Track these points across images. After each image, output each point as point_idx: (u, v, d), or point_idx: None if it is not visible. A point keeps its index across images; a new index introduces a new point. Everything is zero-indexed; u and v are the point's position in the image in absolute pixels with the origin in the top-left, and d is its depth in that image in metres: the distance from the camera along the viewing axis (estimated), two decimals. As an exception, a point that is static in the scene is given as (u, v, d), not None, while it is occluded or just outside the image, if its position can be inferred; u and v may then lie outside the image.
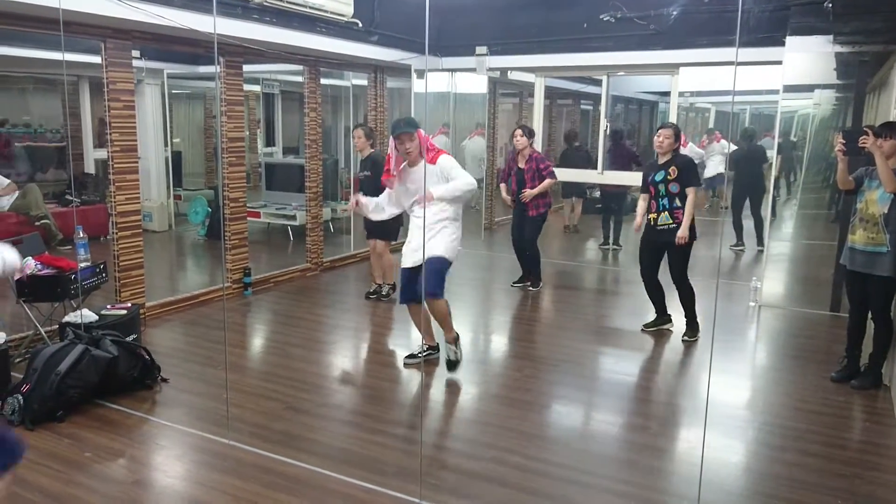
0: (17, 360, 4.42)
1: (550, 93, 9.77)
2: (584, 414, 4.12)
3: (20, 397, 3.67)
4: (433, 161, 4.23)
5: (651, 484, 3.21)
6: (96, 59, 5.12)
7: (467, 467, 3.33)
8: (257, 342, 5.46)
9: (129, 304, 4.88)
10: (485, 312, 6.22)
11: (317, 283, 6.97)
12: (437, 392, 4.27)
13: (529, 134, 6.40)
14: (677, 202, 4.99)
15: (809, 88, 6.19)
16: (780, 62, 5.88)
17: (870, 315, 4.28)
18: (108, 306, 4.75)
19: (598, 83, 8.02)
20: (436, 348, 4.66)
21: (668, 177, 4.99)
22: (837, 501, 3.04)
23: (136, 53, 5.36)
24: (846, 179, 4.16)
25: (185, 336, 5.29)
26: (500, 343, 5.46)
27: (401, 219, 5.85)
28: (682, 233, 4.96)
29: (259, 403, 4.01)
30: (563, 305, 6.43)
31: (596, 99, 9.80)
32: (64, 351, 3.83)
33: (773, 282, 6.36)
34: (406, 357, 4.72)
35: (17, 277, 1.77)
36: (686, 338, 5.18)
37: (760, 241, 8.34)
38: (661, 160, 5.06)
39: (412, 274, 4.36)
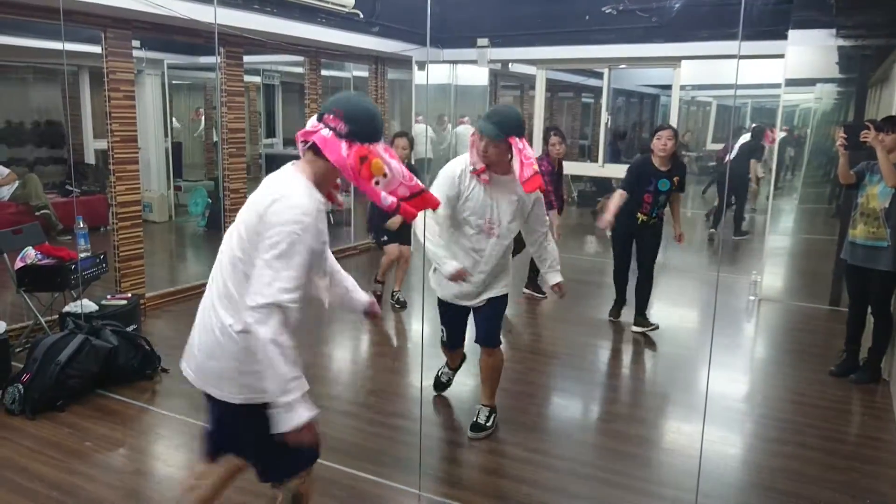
0: (18, 349, 4.42)
1: (552, 85, 9.73)
2: (583, 406, 4.13)
3: (21, 387, 3.68)
4: None
5: (650, 476, 3.22)
6: (96, 49, 5.11)
7: (467, 459, 3.34)
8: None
9: (129, 295, 4.88)
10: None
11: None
12: (437, 384, 4.28)
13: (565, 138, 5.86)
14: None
15: (811, 82, 6.17)
16: (782, 56, 5.86)
17: (869, 309, 4.29)
18: (109, 296, 4.75)
19: (599, 76, 8.00)
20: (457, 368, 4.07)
21: (672, 188, 4.93)
22: (835, 494, 3.06)
23: (136, 43, 5.34)
24: (847, 174, 4.16)
25: (186, 326, 5.22)
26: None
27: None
28: (680, 230, 5.10)
29: (259, 394, 4.01)
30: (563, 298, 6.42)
31: (597, 92, 9.77)
32: (64, 341, 3.83)
33: (773, 276, 6.36)
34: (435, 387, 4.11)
35: None
36: (638, 328, 5.24)
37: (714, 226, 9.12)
38: (663, 166, 4.87)
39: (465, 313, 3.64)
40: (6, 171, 7.62)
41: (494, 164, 3.20)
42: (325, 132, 2.00)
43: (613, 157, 8.30)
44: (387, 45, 7.33)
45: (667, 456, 3.45)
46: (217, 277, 2.11)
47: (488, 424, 3.56)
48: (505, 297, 3.55)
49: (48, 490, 2.99)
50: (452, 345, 3.76)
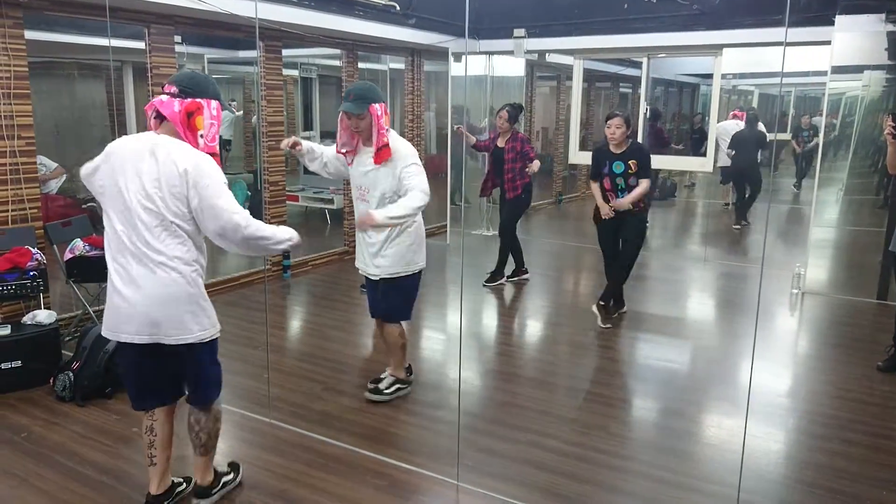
0: (67, 338, 4.56)
1: (589, 75, 9.62)
2: (623, 399, 4.10)
3: (71, 374, 3.80)
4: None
5: (690, 470, 3.19)
6: (140, 45, 5.22)
7: (504, 450, 3.34)
8: (296, 324, 5.54)
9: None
10: (519, 296, 6.21)
11: (353, 266, 7.01)
12: (473, 374, 4.29)
13: (513, 118, 6.02)
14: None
15: (858, 69, 6.00)
16: (828, 42, 5.71)
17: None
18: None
19: (637, 65, 7.88)
20: (406, 382, 3.99)
21: (629, 171, 4.87)
22: (882, 492, 2.99)
23: (177, 39, 5.44)
24: (896, 163, 4.04)
25: (227, 317, 5.37)
26: (535, 328, 5.45)
27: None
28: (625, 201, 4.84)
29: (298, 384, 4.08)
30: (594, 289, 6.37)
31: (635, 81, 9.64)
32: (112, 330, 3.93)
33: (818, 268, 6.22)
34: (369, 392, 3.91)
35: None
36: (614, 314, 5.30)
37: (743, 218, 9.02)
38: (617, 150, 4.90)
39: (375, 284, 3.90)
40: (54, 165, 7.81)
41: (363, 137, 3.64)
42: (163, 97, 2.51)
43: (655, 146, 8.13)
44: (423, 36, 7.33)
45: (708, 451, 3.41)
46: None
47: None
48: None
49: (98, 475, 3.08)
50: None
